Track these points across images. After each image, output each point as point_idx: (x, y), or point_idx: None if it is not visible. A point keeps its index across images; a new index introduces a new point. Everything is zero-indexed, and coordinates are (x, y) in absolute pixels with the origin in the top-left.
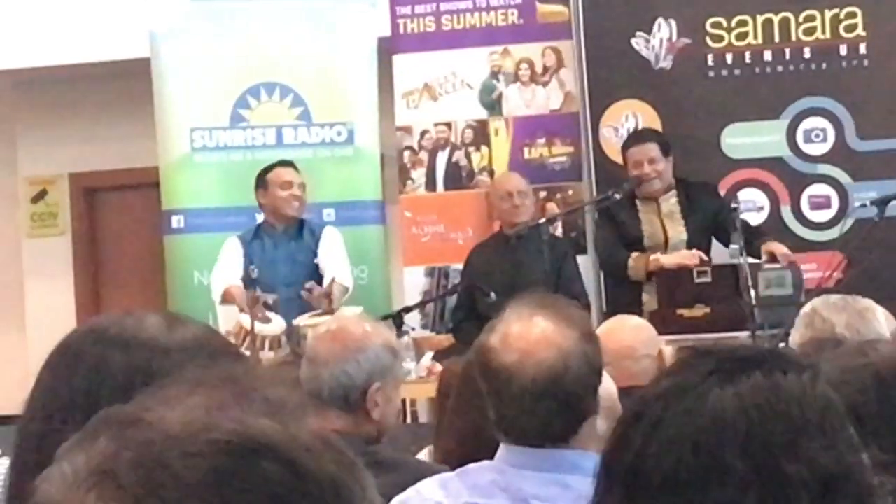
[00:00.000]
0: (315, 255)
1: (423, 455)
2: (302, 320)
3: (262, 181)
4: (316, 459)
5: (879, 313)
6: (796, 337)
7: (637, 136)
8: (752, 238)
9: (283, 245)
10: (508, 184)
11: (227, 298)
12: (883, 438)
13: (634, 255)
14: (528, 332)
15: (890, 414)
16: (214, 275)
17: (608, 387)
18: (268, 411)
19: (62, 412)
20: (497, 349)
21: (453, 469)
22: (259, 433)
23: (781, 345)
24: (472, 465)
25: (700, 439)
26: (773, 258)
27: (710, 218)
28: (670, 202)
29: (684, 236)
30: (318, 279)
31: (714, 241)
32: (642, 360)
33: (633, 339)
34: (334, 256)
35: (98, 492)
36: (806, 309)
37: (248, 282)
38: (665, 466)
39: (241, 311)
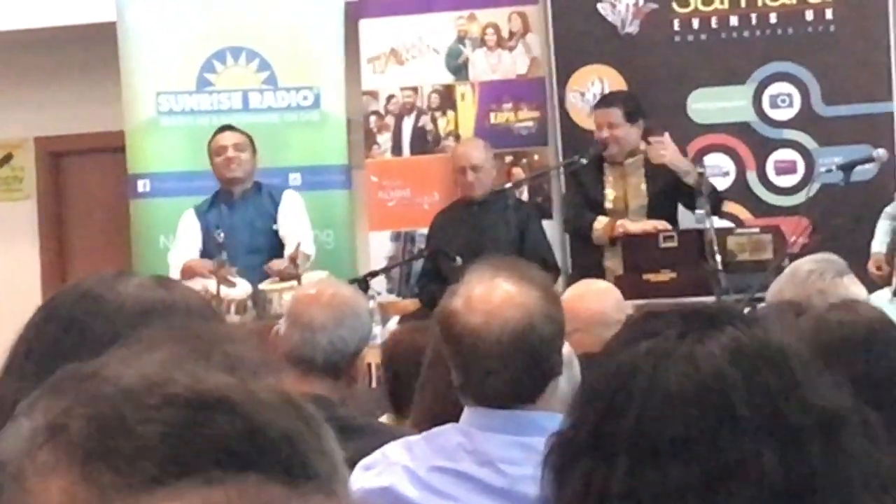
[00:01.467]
0: (274, 220)
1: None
2: (267, 284)
3: (208, 153)
4: (272, 414)
5: (840, 294)
6: (769, 294)
7: (602, 100)
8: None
9: (240, 211)
10: (463, 158)
11: (186, 274)
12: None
13: (600, 219)
14: (491, 294)
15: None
16: (171, 254)
17: (567, 348)
18: (226, 367)
19: (35, 367)
20: (460, 312)
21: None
22: (214, 388)
23: (747, 310)
24: (438, 428)
25: (704, 395)
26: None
27: (675, 184)
28: (635, 167)
29: (645, 202)
30: (278, 244)
31: (680, 207)
32: (613, 325)
33: (602, 304)
34: (296, 222)
35: (51, 446)
36: (789, 268)
37: (214, 246)
38: (673, 427)
39: (204, 277)
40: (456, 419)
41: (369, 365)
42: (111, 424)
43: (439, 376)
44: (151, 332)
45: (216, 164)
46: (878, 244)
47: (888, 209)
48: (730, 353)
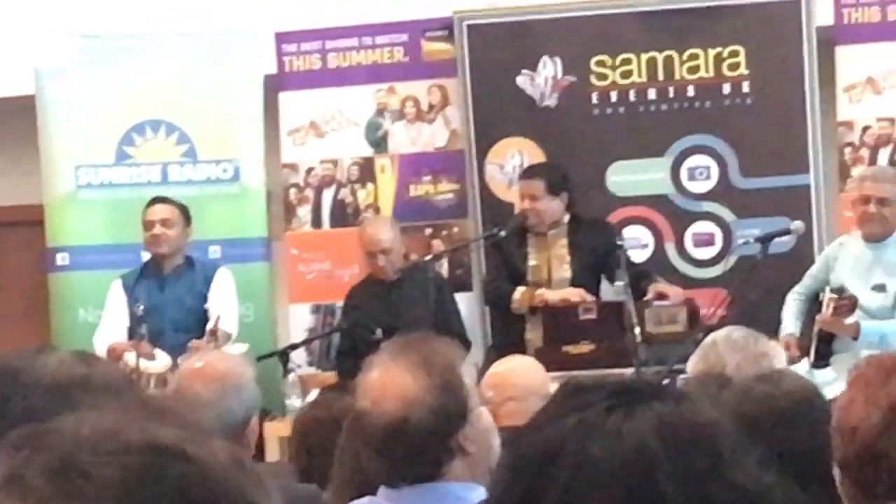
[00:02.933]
0: (205, 299)
1: None
2: (187, 358)
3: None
4: (226, 470)
5: (779, 358)
6: (691, 366)
7: (526, 171)
8: (640, 278)
9: (170, 288)
10: (371, 243)
11: (112, 356)
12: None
13: (520, 288)
14: (380, 380)
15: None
16: (98, 332)
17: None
18: (178, 427)
19: None
20: (359, 393)
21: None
22: (170, 439)
23: (666, 381)
24: (357, 501)
25: (630, 471)
26: (662, 298)
27: (599, 256)
28: (559, 239)
29: (568, 275)
30: (206, 323)
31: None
32: (546, 397)
33: (538, 376)
34: (223, 300)
35: (6, 494)
36: (708, 339)
37: (135, 319)
38: (598, 502)
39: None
40: (373, 489)
41: (288, 438)
42: (68, 470)
43: (356, 446)
44: (95, 404)
45: (145, 239)
46: (792, 325)
47: (797, 289)
48: (656, 430)
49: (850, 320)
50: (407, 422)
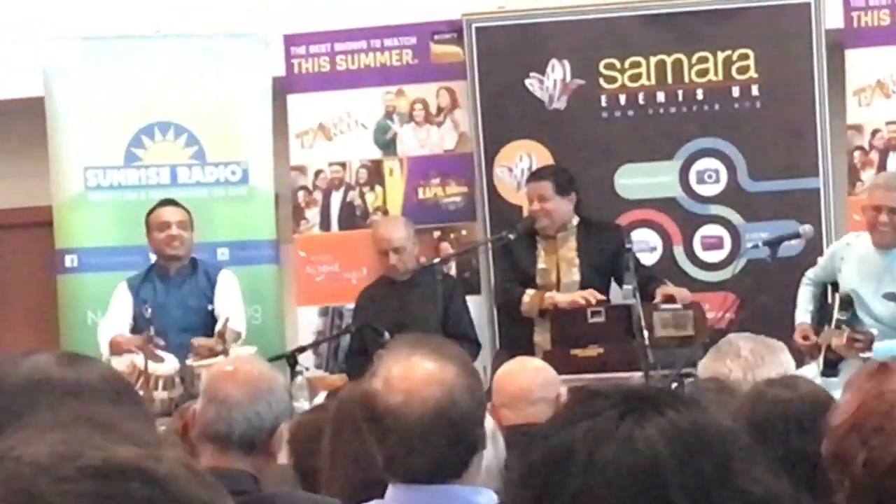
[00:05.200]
0: (209, 300)
1: None
2: (195, 360)
3: (146, 224)
4: (184, 482)
5: (787, 355)
6: (703, 363)
7: (534, 174)
8: (649, 281)
9: (174, 289)
10: (384, 241)
11: (114, 350)
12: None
13: (529, 291)
14: (409, 372)
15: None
16: (101, 327)
17: (490, 422)
18: (128, 442)
19: None
20: (381, 392)
21: None
22: (126, 458)
23: (674, 385)
24: None
25: (640, 479)
26: (670, 301)
27: (608, 259)
28: (568, 242)
29: (577, 277)
30: (212, 324)
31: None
32: (538, 402)
33: (530, 381)
34: (229, 302)
35: None
36: (723, 339)
37: (142, 321)
38: None
39: (132, 352)
40: (371, 491)
41: None
42: (29, 499)
43: (347, 450)
44: (43, 417)
45: (156, 239)
46: (803, 313)
47: (809, 274)
48: (667, 438)
49: (865, 354)
50: (454, 403)
